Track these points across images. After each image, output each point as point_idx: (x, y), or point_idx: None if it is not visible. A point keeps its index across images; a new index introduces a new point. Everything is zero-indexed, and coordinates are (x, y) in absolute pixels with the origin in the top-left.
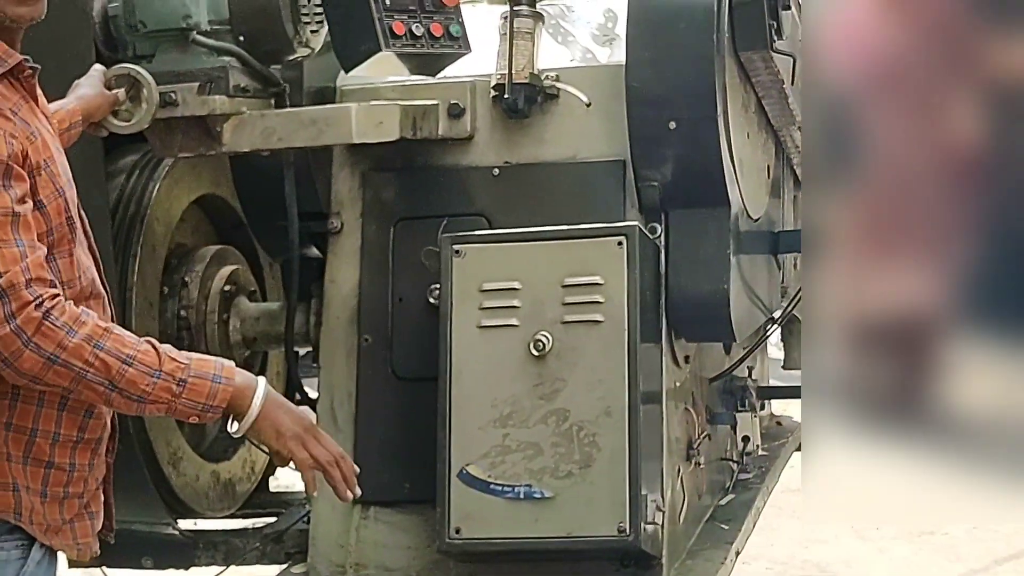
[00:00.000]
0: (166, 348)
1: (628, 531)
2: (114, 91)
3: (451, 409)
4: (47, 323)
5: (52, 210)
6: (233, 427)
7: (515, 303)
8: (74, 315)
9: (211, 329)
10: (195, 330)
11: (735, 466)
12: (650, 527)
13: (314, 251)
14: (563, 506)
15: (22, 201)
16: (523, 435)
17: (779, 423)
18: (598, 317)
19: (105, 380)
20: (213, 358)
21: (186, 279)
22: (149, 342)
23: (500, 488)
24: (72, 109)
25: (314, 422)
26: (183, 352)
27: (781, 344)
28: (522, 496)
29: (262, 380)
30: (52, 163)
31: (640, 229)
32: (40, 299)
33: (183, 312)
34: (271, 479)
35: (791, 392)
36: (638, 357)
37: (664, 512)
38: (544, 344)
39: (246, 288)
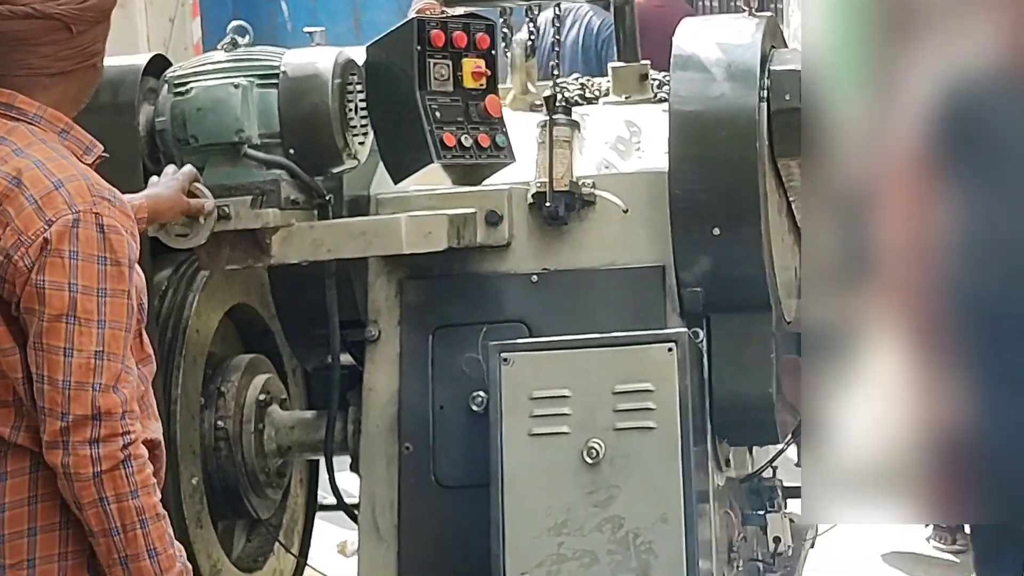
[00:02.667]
0: (188, 569)
1: None
2: (200, 200)
3: (504, 517)
4: (122, 469)
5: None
6: None
7: (566, 410)
8: (146, 478)
9: (247, 439)
10: (232, 440)
11: (762, 566)
12: None
13: (347, 359)
14: None
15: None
16: (578, 543)
17: (792, 520)
18: (650, 424)
19: (123, 552)
20: None
21: (222, 389)
22: (180, 552)
23: None
24: (139, 205)
25: None
26: None
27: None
28: None
29: None
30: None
31: (689, 335)
32: (129, 439)
33: (220, 423)
34: None
35: None
36: (692, 462)
37: None
38: (597, 451)
39: (278, 397)
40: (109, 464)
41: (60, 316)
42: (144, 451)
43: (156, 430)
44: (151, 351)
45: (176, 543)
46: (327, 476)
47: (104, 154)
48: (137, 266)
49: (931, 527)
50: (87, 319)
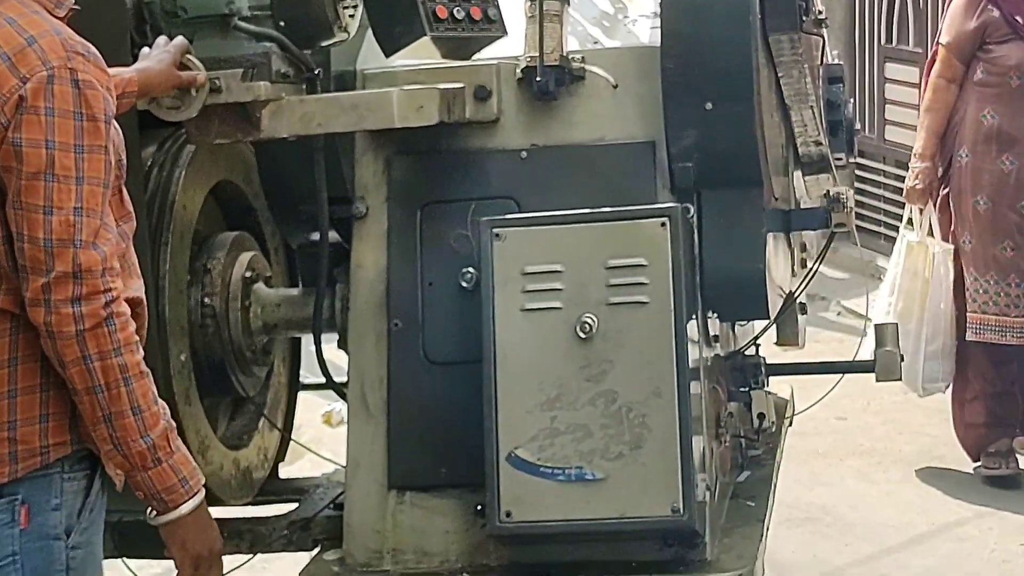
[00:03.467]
0: (172, 429)
1: (682, 511)
2: (192, 73)
3: (497, 393)
4: (105, 327)
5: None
6: (151, 514)
7: (558, 286)
8: (129, 336)
9: (234, 316)
10: (219, 317)
11: (744, 443)
12: (699, 506)
13: (334, 236)
14: (615, 487)
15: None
16: (571, 417)
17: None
18: (643, 298)
19: (107, 410)
20: (196, 466)
21: (208, 266)
22: (164, 409)
23: (550, 471)
24: (129, 79)
25: (222, 553)
26: (180, 443)
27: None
28: (573, 478)
29: (201, 492)
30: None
31: (682, 210)
32: (110, 297)
33: (206, 300)
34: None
35: (795, 369)
36: (684, 338)
37: (711, 491)
38: (590, 326)
39: (264, 274)
40: (92, 322)
41: (38, 174)
42: (127, 309)
43: (138, 288)
44: (131, 208)
45: (160, 401)
46: (315, 353)
47: (75, 7)
48: (115, 122)
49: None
50: (65, 176)
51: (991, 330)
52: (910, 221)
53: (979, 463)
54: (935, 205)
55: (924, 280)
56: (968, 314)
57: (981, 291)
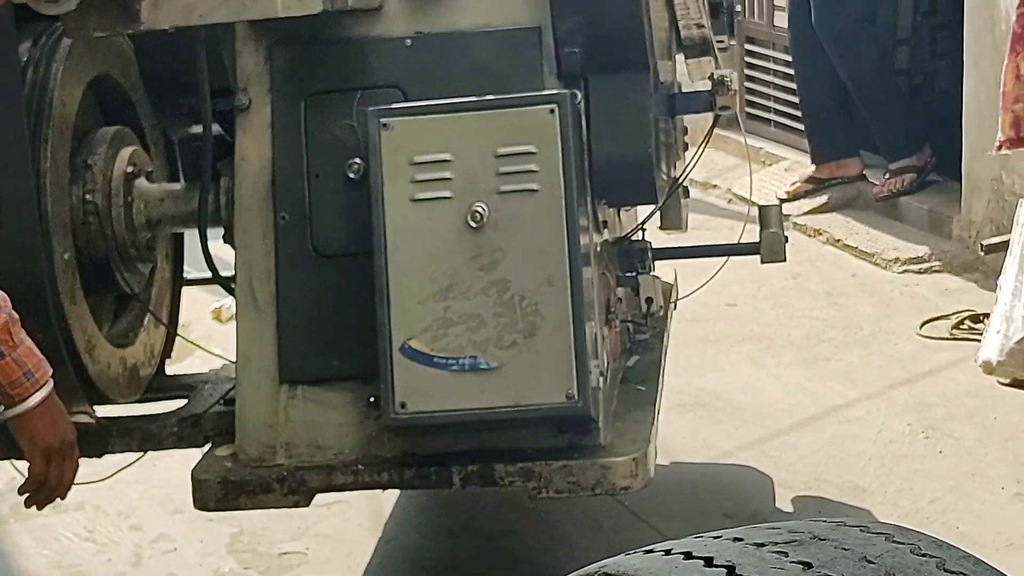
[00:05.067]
0: (14, 322)
1: (577, 397)
2: None
3: (389, 284)
4: None
5: None
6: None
7: (448, 175)
8: None
9: (117, 212)
10: (102, 214)
11: (632, 327)
12: (593, 392)
13: (216, 129)
14: (509, 376)
15: None
16: (464, 307)
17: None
18: (534, 186)
19: None
20: (42, 358)
21: (88, 162)
22: (4, 301)
23: (444, 361)
24: None
25: (75, 444)
26: (25, 336)
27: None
28: (467, 368)
29: (49, 384)
30: None
31: (571, 96)
32: None
33: (88, 196)
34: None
35: (679, 253)
36: (576, 225)
37: (604, 376)
38: (481, 215)
39: (145, 169)
40: None
41: None
42: None
43: None
44: None
45: (1, 293)
46: (201, 249)
47: None
48: None
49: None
50: None
51: None
52: None
53: None
54: None
55: None
56: None
57: None
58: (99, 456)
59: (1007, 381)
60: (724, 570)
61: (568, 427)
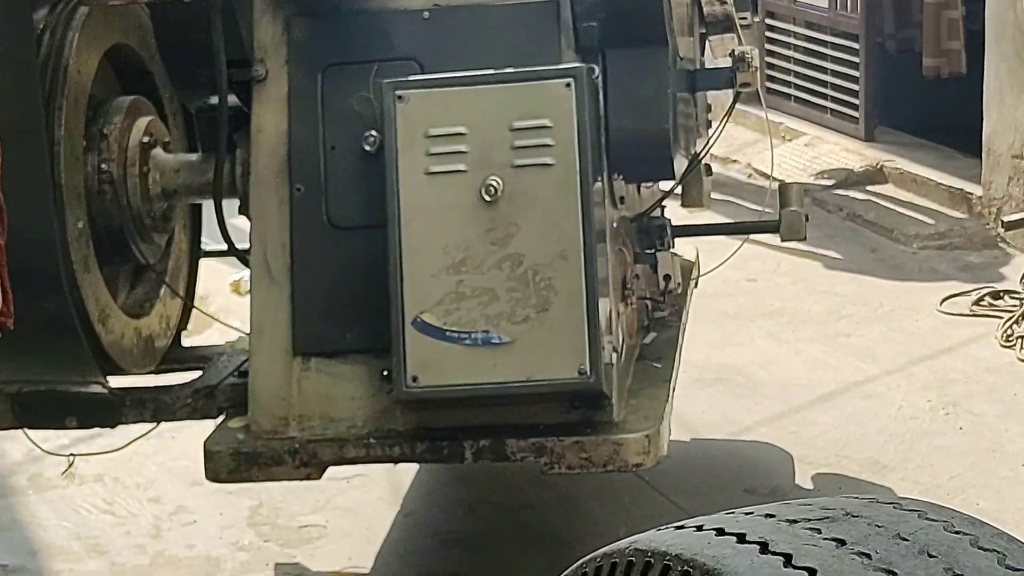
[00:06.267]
0: None
1: (589, 373)
2: None
3: (402, 257)
4: None
5: None
6: None
7: (463, 148)
8: None
9: (132, 182)
10: (117, 183)
11: (650, 304)
12: (606, 368)
13: (233, 100)
14: (521, 351)
15: None
16: (477, 281)
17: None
18: (548, 160)
19: None
20: None
21: (104, 131)
22: None
23: (456, 335)
24: None
25: None
26: None
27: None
28: (479, 342)
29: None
30: None
31: (587, 70)
32: None
33: (104, 166)
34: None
35: (700, 230)
36: (590, 200)
37: (618, 353)
38: (495, 189)
39: (162, 139)
40: None
41: None
42: None
43: None
44: None
45: None
46: (216, 220)
47: None
48: None
49: None
50: None
51: None
52: None
53: None
54: None
55: None
56: None
57: None
58: (112, 426)
59: None
60: (757, 546)
61: (580, 403)
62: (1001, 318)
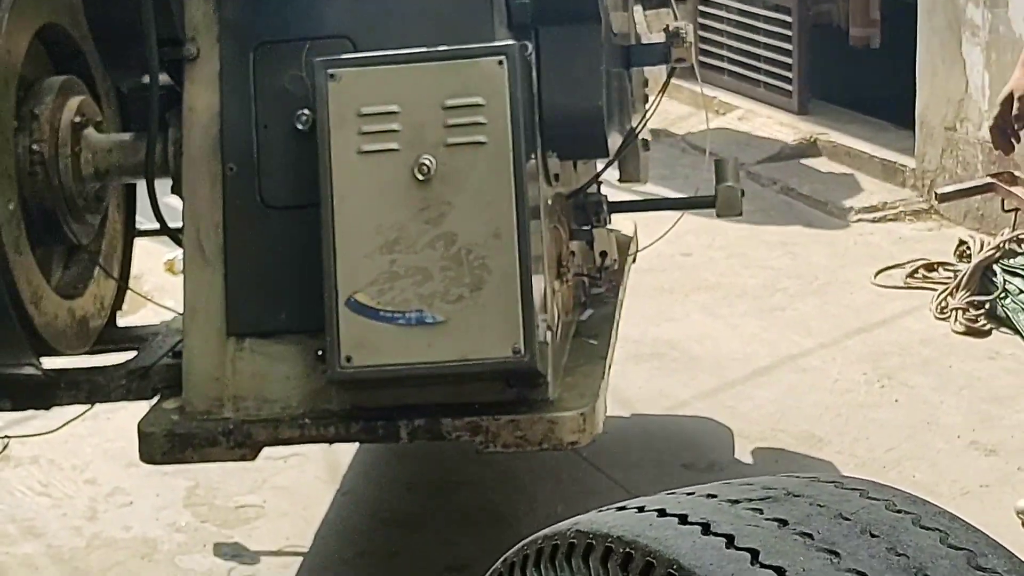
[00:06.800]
0: None
1: (523, 351)
2: None
3: (335, 237)
4: None
5: None
6: None
7: (395, 127)
8: None
9: (64, 163)
10: (49, 164)
11: (587, 281)
12: (541, 347)
13: (165, 79)
14: (456, 330)
15: None
16: (411, 260)
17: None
18: (481, 139)
19: None
20: None
21: (35, 112)
22: None
23: (390, 315)
24: None
25: None
26: None
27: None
28: (413, 322)
29: None
30: None
31: (520, 47)
32: None
33: (35, 146)
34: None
35: (636, 206)
36: (524, 178)
37: (552, 331)
38: (428, 167)
39: (94, 119)
40: None
41: None
42: None
43: None
44: None
45: None
46: (148, 199)
47: None
48: None
49: None
50: None
51: None
52: None
53: None
54: None
55: None
56: None
57: None
58: (47, 408)
59: (961, 330)
60: (699, 527)
61: (515, 381)
62: (935, 290)
